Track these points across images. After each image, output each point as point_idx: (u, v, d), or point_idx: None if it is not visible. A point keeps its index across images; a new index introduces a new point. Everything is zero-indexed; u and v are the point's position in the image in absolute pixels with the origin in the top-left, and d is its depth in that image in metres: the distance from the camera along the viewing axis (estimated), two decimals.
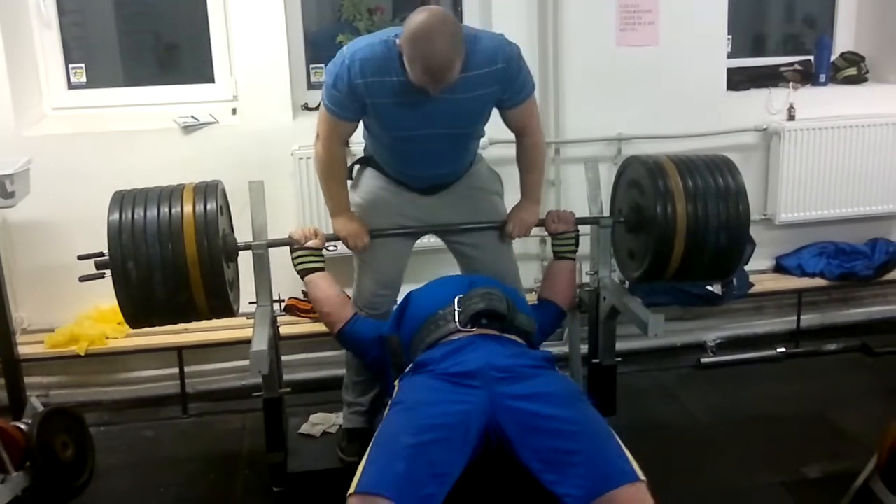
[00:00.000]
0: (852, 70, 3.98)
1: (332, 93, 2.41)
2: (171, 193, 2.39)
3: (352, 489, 1.81)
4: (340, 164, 2.59)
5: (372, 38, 2.42)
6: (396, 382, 2.20)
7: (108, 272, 2.33)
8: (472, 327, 2.20)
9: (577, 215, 2.77)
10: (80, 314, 3.37)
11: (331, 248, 2.67)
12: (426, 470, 1.83)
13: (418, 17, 2.21)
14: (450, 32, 2.21)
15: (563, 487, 1.86)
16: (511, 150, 2.70)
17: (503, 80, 2.42)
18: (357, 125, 2.52)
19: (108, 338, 3.32)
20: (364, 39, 2.45)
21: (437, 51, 2.18)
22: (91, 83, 3.54)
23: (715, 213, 2.55)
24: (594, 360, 2.82)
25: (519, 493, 1.98)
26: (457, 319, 2.23)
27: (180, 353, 3.40)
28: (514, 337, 2.25)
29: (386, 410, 2.08)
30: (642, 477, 1.85)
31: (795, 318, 3.94)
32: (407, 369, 2.21)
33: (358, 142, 2.66)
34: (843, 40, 4.10)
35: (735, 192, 2.57)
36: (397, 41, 2.28)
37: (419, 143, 2.48)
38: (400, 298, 2.75)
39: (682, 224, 2.54)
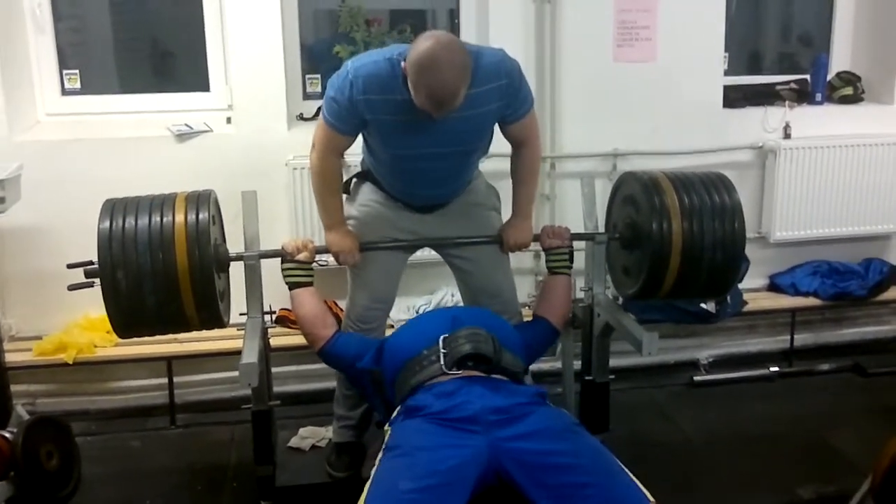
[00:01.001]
0: (848, 89, 3.99)
1: (333, 105, 2.39)
2: (163, 202, 2.37)
3: None
4: (335, 176, 2.57)
5: (377, 54, 2.40)
6: (387, 427, 2.15)
7: (97, 281, 2.30)
8: (458, 369, 2.16)
9: (572, 231, 2.75)
10: (69, 322, 3.34)
11: (321, 263, 2.65)
12: None
13: (425, 45, 2.18)
14: (458, 62, 2.18)
15: None
16: (506, 164, 2.68)
17: (507, 96, 2.40)
18: (354, 139, 2.50)
19: (96, 346, 3.29)
20: (369, 55, 2.42)
21: (444, 80, 2.16)
22: (85, 89, 3.52)
23: (711, 231, 2.53)
24: (587, 377, 2.79)
25: None
26: (442, 361, 2.18)
27: (169, 364, 3.37)
28: (500, 377, 2.20)
29: (379, 455, 2.01)
30: (651, 499, 1.85)
31: (789, 337, 3.93)
32: (396, 413, 2.15)
33: (355, 153, 2.63)
34: (840, 60, 4.11)
35: (731, 210, 2.56)
36: (402, 62, 2.25)
37: (420, 161, 2.46)
38: (395, 311, 2.74)
39: (677, 241, 2.52)
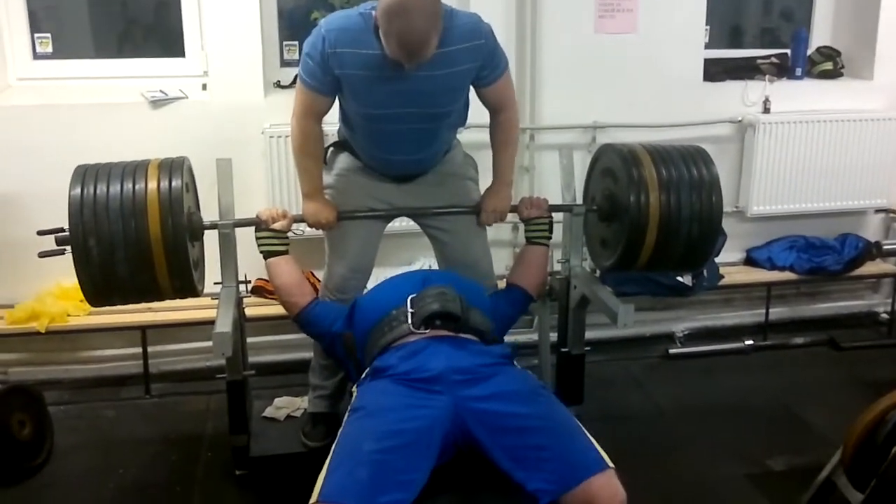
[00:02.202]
0: (828, 64, 3.99)
1: (307, 63, 2.38)
2: (136, 169, 2.33)
3: (314, 498, 1.76)
4: (315, 141, 2.54)
5: (350, 10, 2.40)
6: (354, 388, 2.15)
7: (68, 248, 2.27)
8: (425, 329, 2.16)
9: (550, 202, 2.74)
10: (42, 290, 3.29)
11: (297, 232, 2.63)
12: (390, 476, 1.79)
13: None
14: (428, 8, 2.17)
15: (534, 483, 1.84)
16: (486, 135, 2.66)
17: (482, 56, 2.40)
18: (332, 101, 2.48)
19: (69, 315, 3.25)
20: (342, 11, 2.43)
21: (414, 26, 2.14)
22: (57, 54, 3.44)
23: (688, 204, 2.53)
24: (563, 349, 2.80)
25: (493, 493, 1.94)
26: (410, 321, 2.18)
27: (144, 333, 3.34)
28: (469, 336, 2.21)
29: (346, 417, 2.02)
30: (611, 464, 1.85)
31: (764, 310, 3.95)
32: (364, 374, 2.16)
33: (331, 122, 2.60)
34: (820, 34, 4.10)
35: (709, 184, 2.56)
36: (374, 15, 2.24)
37: (393, 122, 2.43)
38: (372, 281, 2.73)
39: (654, 214, 2.52)
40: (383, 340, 2.19)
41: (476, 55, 2.38)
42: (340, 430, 1.97)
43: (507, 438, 1.90)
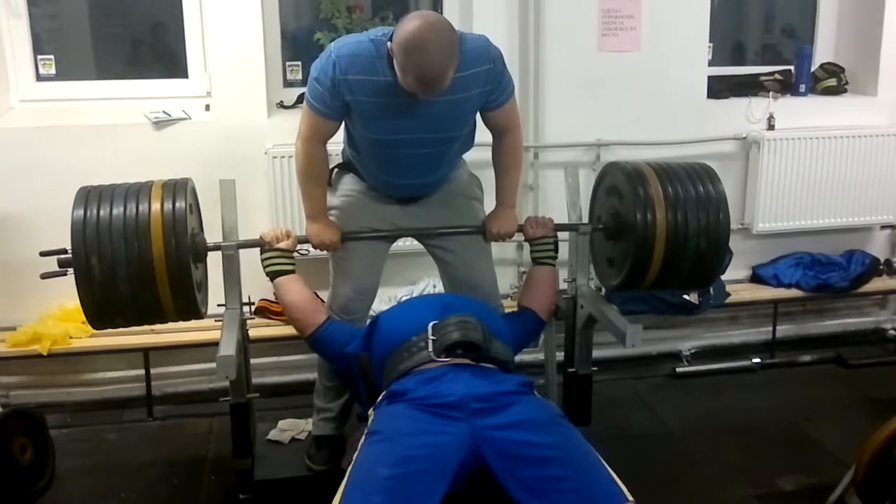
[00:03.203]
0: (832, 81, 3.98)
1: (315, 87, 2.35)
2: (139, 190, 2.32)
3: None
4: (320, 165, 2.52)
5: (361, 35, 2.37)
6: (371, 411, 2.12)
7: (70, 270, 2.25)
8: (446, 356, 2.13)
9: (555, 221, 2.73)
10: (44, 312, 3.27)
11: (302, 252, 2.61)
12: (404, 503, 1.76)
13: (412, 24, 2.13)
14: (445, 42, 2.14)
15: None
16: (489, 153, 2.65)
17: (490, 81, 2.38)
18: (338, 125, 2.46)
19: (71, 337, 3.22)
20: (352, 36, 2.40)
21: (431, 62, 2.12)
22: (60, 75, 3.44)
23: (695, 222, 2.51)
24: (570, 370, 2.77)
25: None
26: (431, 348, 2.15)
27: (146, 355, 3.31)
28: (489, 365, 2.18)
29: (361, 440, 1.99)
30: (630, 497, 1.81)
31: (771, 328, 3.93)
32: (381, 397, 2.13)
33: (335, 142, 2.59)
34: (824, 51, 4.09)
35: (716, 201, 2.54)
36: (389, 44, 2.21)
37: (401, 148, 2.42)
38: (377, 302, 2.71)
39: (661, 232, 2.50)
40: (402, 366, 2.15)
41: (486, 80, 2.36)
42: (356, 454, 1.94)
43: (525, 469, 1.86)
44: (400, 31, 2.16)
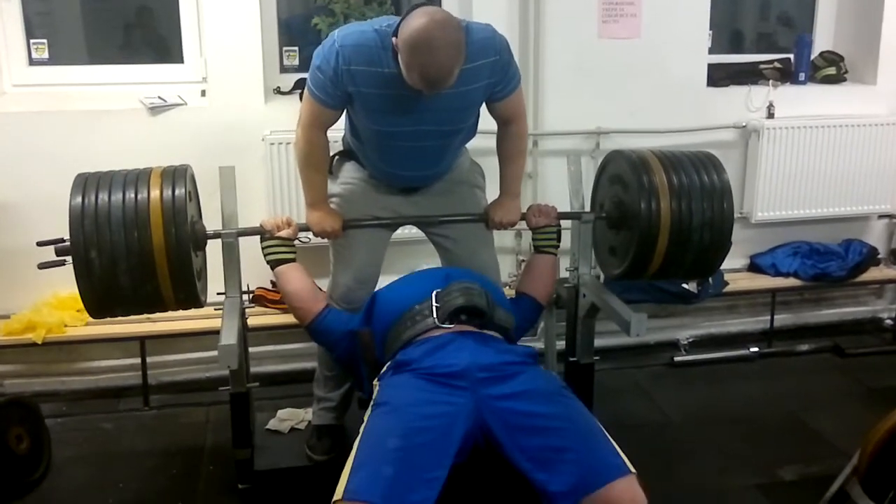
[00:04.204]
0: (831, 69, 3.96)
1: (317, 76, 2.31)
2: (138, 177, 2.29)
3: (338, 495, 1.73)
4: (320, 152, 2.49)
5: (364, 25, 2.32)
6: (376, 382, 2.13)
7: (68, 259, 2.22)
8: (450, 324, 2.14)
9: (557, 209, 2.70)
10: (38, 301, 3.23)
11: (303, 240, 2.58)
12: (416, 474, 1.77)
13: (419, 22, 2.09)
14: (453, 41, 2.11)
15: (554, 485, 1.82)
16: (492, 141, 2.62)
17: (497, 72, 2.34)
18: (339, 114, 2.43)
19: (66, 325, 3.18)
20: (356, 25, 2.35)
21: (439, 61, 2.09)
22: (53, 60, 3.37)
23: (699, 211, 2.51)
24: (572, 359, 2.76)
25: (510, 493, 1.93)
26: (435, 315, 2.15)
27: (143, 343, 3.28)
28: (493, 333, 2.20)
29: (368, 411, 2.00)
30: (633, 470, 1.83)
31: (768, 317, 3.92)
32: (385, 368, 2.14)
33: (336, 128, 2.55)
34: (823, 39, 4.08)
35: (720, 190, 2.54)
36: (393, 38, 2.17)
37: (406, 139, 2.39)
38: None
39: (665, 221, 2.49)
40: (406, 335, 2.16)
41: (491, 72, 2.33)
42: (363, 425, 1.94)
43: (529, 438, 1.88)
44: (406, 28, 2.12)
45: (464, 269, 2.52)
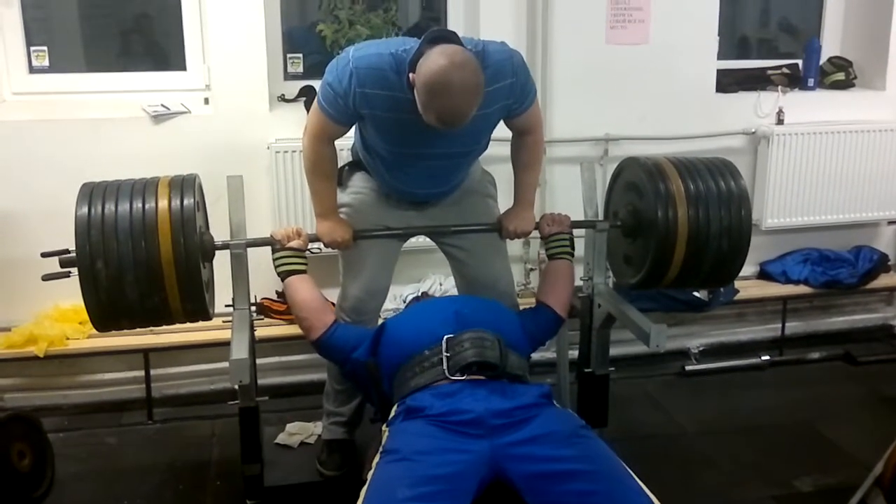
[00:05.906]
0: (840, 75, 3.94)
1: (328, 92, 2.26)
2: (145, 187, 2.23)
3: None
4: (329, 161, 2.43)
5: (381, 46, 2.26)
6: (385, 427, 2.05)
7: (73, 271, 2.16)
8: (461, 375, 2.06)
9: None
10: (39, 313, 3.18)
11: (314, 250, 2.53)
12: None
13: (438, 63, 2.02)
14: (471, 84, 2.04)
15: None
16: (505, 149, 2.57)
17: (515, 93, 2.30)
18: (347, 129, 2.37)
19: (68, 338, 3.14)
20: (373, 46, 2.28)
21: (455, 105, 2.03)
22: (54, 67, 3.32)
23: (717, 219, 2.46)
24: (586, 370, 2.71)
25: None
26: (445, 366, 2.08)
27: (146, 356, 3.23)
28: (505, 381, 2.11)
29: (376, 458, 1.92)
30: None
31: (779, 325, 3.89)
32: (395, 412, 2.06)
33: (346, 137, 2.50)
34: (831, 45, 4.05)
35: (738, 197, 2.50)
36: (411, 76, 2.10)
37: (418, 160, 2.35)
38: (388, 301, 2.63)
39: (683, 229, 2.44)
40: (415, 382, 2.09)
41: (509, 94, 2.28)
42: (371, 474, 1.87)
43: (552, 485, 1.81)
44: (424, 67, 2.05)
45: (474, 301, 2.46)
